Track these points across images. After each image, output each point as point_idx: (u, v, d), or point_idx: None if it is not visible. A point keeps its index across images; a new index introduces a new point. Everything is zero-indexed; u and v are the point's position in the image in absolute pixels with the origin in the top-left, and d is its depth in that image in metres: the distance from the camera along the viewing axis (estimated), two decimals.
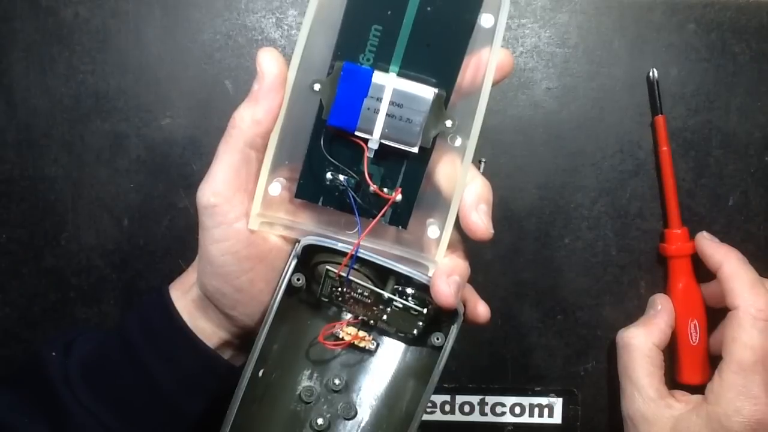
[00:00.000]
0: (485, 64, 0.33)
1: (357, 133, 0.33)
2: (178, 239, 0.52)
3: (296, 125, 0.35)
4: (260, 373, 0.37)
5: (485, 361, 0.53)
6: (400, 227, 0.35)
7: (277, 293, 0.36)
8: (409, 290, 0.37)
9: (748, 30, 0.51)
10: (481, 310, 0.39)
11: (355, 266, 0.36)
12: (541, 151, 0.52)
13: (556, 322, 0.53)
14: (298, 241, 0.36)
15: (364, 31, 0.32)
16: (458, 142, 0.34)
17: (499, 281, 0.53)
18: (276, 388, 0.38)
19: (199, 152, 0.51)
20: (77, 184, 0.51)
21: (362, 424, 0.38)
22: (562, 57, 0.52)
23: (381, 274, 0.37)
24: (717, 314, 0.52)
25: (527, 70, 0.52)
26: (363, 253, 0.35)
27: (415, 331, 0.37)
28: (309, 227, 0.36)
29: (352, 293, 0.37)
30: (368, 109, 0.33)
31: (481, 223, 0.34)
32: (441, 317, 0.37)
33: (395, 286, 0.37)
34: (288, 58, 0.35)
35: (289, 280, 0.36)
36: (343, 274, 0.36)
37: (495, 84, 0.34)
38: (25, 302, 0.52)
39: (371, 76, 0.32)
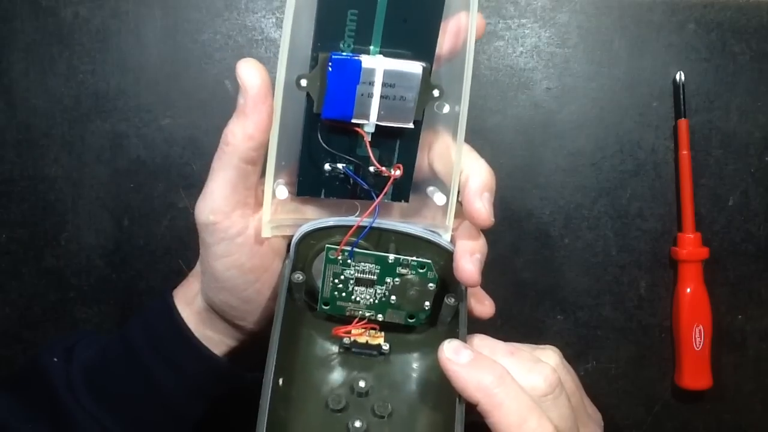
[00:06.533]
0: (460, 28, 0.33)
1: (354, 121, 0.33)
2: (178, 239, 0.52)
3: (289, 125, 0.35)
4: (280, 382, 0.35)
5: None
6: (402, 201, 0.36)
7: (281, 294, 0.35)
8: (413, 258, 0.36)
9: (748, 30, 0.51)
10: (487, 304, 0.39)
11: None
12: (541, 151, 0.52)
13: (556, 322, 0.53)
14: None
15: (341, 17, 0.32)
16: (446, 109, 0.34)
17: (499, 281, 0.53)
18: (301, 401, 0.37)
19: (199, 152, 0.51)
20: (77, 184, 0.51)
21: (403, 419, 0.37)
22: (562, 57, 0.52)
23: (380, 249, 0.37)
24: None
25: (527, 70, 0.52)
26: (369, 222, 0.35)
27: (426, 304, 0.37)
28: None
29: (356, 273, 0.36)
30: (362, 95, 0.33)
31: (484, 211, 0.34)
32: (448, 287, 0.37)
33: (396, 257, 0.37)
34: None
35: (289, 280, 0.36)
36: (347, 248, 0.36)
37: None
38: (25, 302, 0.52)
39: (361, 65, 0.32)
